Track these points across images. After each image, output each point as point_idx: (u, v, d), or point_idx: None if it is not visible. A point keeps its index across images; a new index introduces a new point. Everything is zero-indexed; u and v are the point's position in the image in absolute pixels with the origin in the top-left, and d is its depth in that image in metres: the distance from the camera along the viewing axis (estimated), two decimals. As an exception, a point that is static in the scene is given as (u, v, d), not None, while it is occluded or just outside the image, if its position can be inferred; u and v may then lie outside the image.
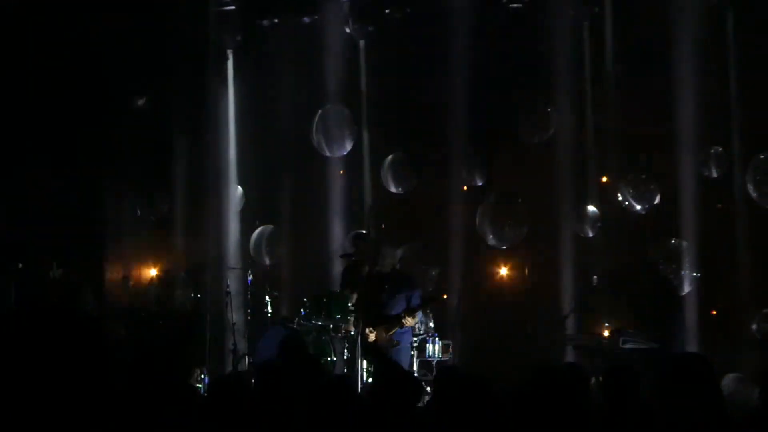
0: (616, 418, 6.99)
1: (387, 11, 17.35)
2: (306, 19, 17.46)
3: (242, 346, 15.16)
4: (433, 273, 16.48)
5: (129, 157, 17.77)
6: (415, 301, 12.88)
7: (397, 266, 13.52)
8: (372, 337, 12.84)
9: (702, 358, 6.69)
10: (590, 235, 16.06)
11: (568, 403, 6.52)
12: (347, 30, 17.17)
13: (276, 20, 17.63)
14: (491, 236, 16.13)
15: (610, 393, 7.32)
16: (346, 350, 14.04)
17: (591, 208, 16.18)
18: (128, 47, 16.68)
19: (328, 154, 16.71)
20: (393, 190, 16.77)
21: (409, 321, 12.80)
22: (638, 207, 15.77)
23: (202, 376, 14.44)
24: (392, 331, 12.83)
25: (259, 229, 17.43)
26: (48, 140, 16.02)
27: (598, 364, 12.71)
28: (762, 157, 14.91)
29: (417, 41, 17.10)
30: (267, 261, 17.01)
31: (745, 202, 15.25)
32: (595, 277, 15.04)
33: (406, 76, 17.22)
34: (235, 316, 15.48)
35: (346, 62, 17.07)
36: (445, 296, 16.42)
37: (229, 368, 14.78)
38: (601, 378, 12.07)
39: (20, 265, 12.57)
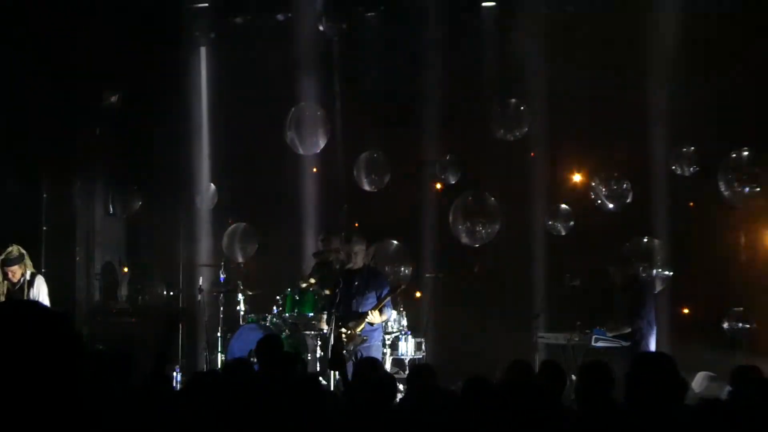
0: (590, 415, 7.01)
1: (360, 9, 17.34)
2: (280, 17, 17.44)
3: (215, 343, 15.13)
4: (406, 271, 16.48)
5: (100, 153, 17.70)
6: (382, 293, 12.95)
7: (371, 263, 13.55)
8: (345, 340, 12.84)
9: (666, 357, 6.75)
10: (563, 233, 16.09)
11: (545, 400, 6.53)
12: (321, 28, 17.14)
13: (249, 17, 17.59)
14: (464, 234, 16.15)
15: (585, 390, 7.35)
16: (318, 348, 14.06)
17: (563, 206, 16.21)
18: (99, 43, 16.61)
19: (301, 151, 16.70)
20: (366, 188, 16.76)
21: (375, 317, 12.83)
22: (611, 205, 15.82)
23: (174, 373, 14.41)
24: (360, 327, 12.85)
25: (232, 226, 17.39)
26: (16, 136, 15.92)
27: (570, 362, 12.77)
28: (734, 155, 14.98)
29: (391, 39, 17.12)
30: (240, 259, 16.97)
31: (717, 201, 15.30)
32: (567, 275, 15.06)
33: (379, 74, 17.23)
34: (208, 313, 15.46)
35: (319, 60, 17.06)
36: (419, 294, 16.45)
37: (202, 366, 14.76)
38: (575, 376, 12.22)
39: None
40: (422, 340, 14.72)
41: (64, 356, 2.51)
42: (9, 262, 12.14)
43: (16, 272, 12.24)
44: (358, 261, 13.14)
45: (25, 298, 12.17)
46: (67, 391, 2.49)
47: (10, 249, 12.17)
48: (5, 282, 12.25)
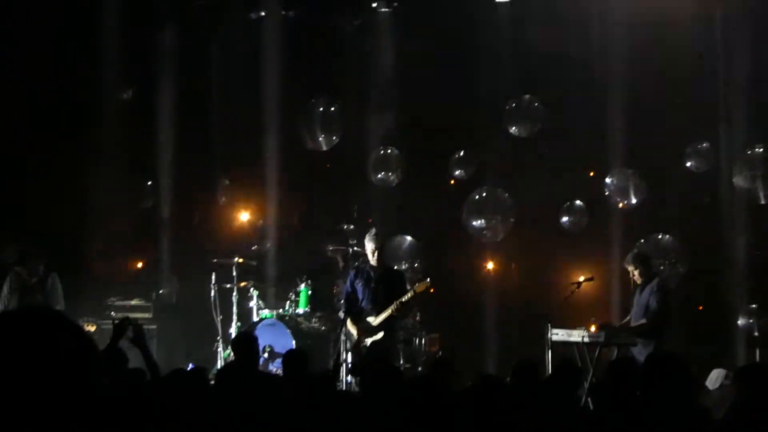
0: (605, 413, 6.98)
1: (374, 5, 17.31)
2: (291, 13, 17.42)
3: (229, 339, 15.11)
4: (419, 267, 16.46)
5: (115, 149, 17.70)
6: (403, 293, 12.88)
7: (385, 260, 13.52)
8: (361, 335, 12.83)
9: (676, 355, 6.73)
10: (577, 229, 16.05)
11: (564, 398, 6.52)
12: (333, 22, 17.16)
13: (262, 12, 17.57)
14: (477, 230, 16.12)
15: (613, 386, 7.31)
16: (331, 344, 14.05)
17: (578, 202, 16.17)
18: (113, 36, 16.63)
19: (314, 147, 16.69)
20: (379, 184, 16.74)
21: (395, 314, 12.80)
22: (626, 202, 15.77)
23: (188, 368, 14.40)
24: (378, 321, 12.81)
25: (246, 221, 17.38)
26: (32, 132, 15.93)
27: (585, 360, 12.73)
28: (749, 152, 14.93)
29: (406, 35, 17.09)
30: (253, 254, 16.95)
31: (732, 197, 15.26)
32: (582, 277, 15.01)
33: (393, 69, 17.21)
34: (222, 309, 15.45)
35: (332, 54, 17.04)
36: (432, 290, 16.41)
37: (217, 362, 14.75)
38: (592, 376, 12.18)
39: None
40: (436, 335, 14.70)
41: (79, 366, 2.49)
42: (20, 261, 12.18)
43: (31, 269, 12.28)
44: (377, 258, 13.08)
45: (39, 294, 12.21)
46: (79, 398, 2.48)
47: (16, 249, 12.20)
48: (20, 279, 12.28)
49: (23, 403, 2.35)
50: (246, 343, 9.87)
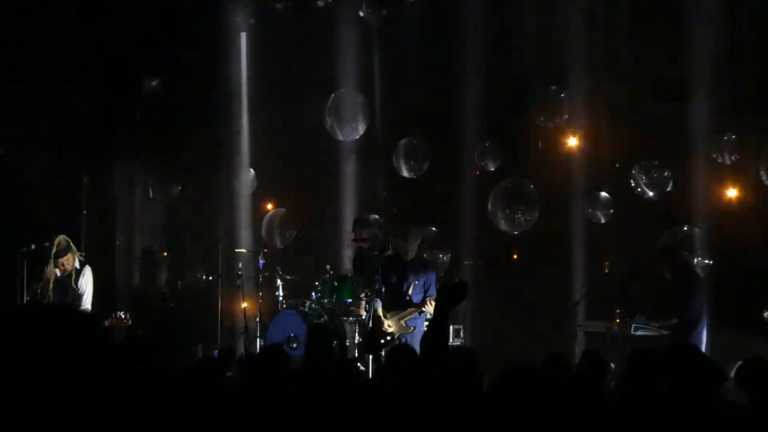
0: (631, 405, 6.96)
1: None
2: (320, 2, 17.42)
3: (254, 329, 15.16)
4: (445, 258, 16.46)
5: (140, 138, 17.77)
6: (433, 289, 12.89)
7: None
8: (390, 327, 12.84)
9: (690, 347, 6.72)
10: (603, 221, 16.01)
11: (590, 389, 6.51)
12: (361, 14, 17.14)
13: (290, 3, 17.59)
14: (503, 221, 16.10)
15: (633, 378, 7.29)
16: (356, 334, 14.07)
17: (604, 194, 16.12)
18: (141, 27, 16.69)
19: (340, 138, 16.70)
20: (405, 174, 16.73)
21: (429, 307, 12.81)
22: (651, 193, 15.71)
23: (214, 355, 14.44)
24: (409, 317, 12.82)
25: (271, 212, 17.42)
26: (57, 122, 15.98)
27: (609, 351, 12.72)
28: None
29: (431, 24, 17.08)
30: (279, 244, 17.00)
31: (758, 189, 15.18)
32: (606, 263, 14.97)
33: (419, 59, 17.20)
34: (247, 298, 15.50)
35: (359, 46, 17.03)
36: (457, 280, 16.40)
37: (241, 350, 14.80)
38: (613, 365, 12.15)
39: (33, 247, 12.59)
40: (460, 327, 14.70)
41: (81, 363, 2.50)
42: (60, 253, 12.41)
43: (69, 260, 12.51)
44: (412, 253, 13.09)
45: (73, 285, 12.38)
46: (90, 387, 2.48)
47: (57, 240, 12.42)
48: (55, 270, 12.47)
49: (23, 400, 2.36)
50: (321, 336, 9.79)
